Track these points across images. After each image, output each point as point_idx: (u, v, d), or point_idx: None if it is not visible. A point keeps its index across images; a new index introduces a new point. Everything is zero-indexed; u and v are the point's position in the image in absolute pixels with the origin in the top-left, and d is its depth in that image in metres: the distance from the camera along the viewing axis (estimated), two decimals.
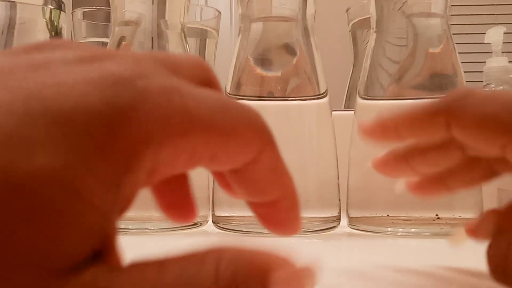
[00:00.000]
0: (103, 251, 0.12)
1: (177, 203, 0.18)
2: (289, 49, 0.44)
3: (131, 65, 0.13)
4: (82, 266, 0.11)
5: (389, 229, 0.39)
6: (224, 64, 0.49)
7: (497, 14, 0.78)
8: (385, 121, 0.23)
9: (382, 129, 0.23)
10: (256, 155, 0.15)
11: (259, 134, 0.15)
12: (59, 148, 0.11)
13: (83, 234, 0.11)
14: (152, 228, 0.40)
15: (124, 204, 0.12)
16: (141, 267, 0.12)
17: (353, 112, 0.45)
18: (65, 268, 0.10)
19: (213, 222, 0.43)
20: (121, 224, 0.29)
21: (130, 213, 0.18)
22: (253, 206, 0.17)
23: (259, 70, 0.43)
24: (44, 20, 0.51)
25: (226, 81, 0.44)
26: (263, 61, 0.43)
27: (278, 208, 0.16)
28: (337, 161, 0.43)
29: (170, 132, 0.12)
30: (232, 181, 0.16)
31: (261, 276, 0.13)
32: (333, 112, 0.45)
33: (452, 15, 0.44)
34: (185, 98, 0.13)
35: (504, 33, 0.69)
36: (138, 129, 0.12)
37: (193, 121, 0.13)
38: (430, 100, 0.22)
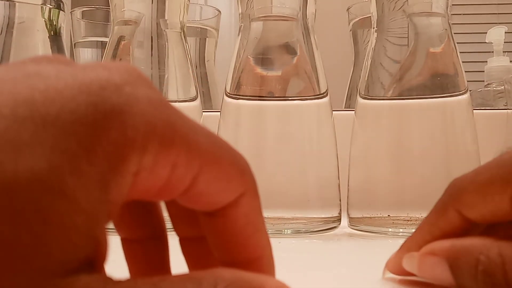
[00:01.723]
0: (95, 258, 0.11)
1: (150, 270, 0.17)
2: (289, 49, 0.44)
3: (121, 73, 0.13)
4: (75, 272, 0.11)
5: (390, 229, 0.39)
6: (224, 63, 0.49)
7: (498, 14, 0.78)
8: (408, 249, 0.23)
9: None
10: (237, 197, 0.14)
11: (242, 175, 0.15)
12: (45, 150, 0.11)
13: (71, 235, 0.11)
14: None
15: (111, 208, 0.12)
16: (137, 282, 0.11)
17: (353, 112, 0.45)
18: (56, 270, 0.10)
19: None
20: None
21: None
22: (225, 266, 0.15)
23: (259, 70, 0.43)
24: (43, 19, 0.50)
25: (226, 81, 0.44)
26: (263, 60, 0.43)
27: (251, 269, 0.15)
28: (337, 161, 0.43)
29: (153, 139, 0.12)
30: (207, 230, 0.15)
31: None
32: (333, 112, 0.44)
33: (453, 14, 0.44)
34: (171, 113, 0.13)
35: (506, 32, 0.69)
36: (123, 133, 0.12)
37: (176, 135, 0.13)
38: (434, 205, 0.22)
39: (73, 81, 0.12)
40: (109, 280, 0.11)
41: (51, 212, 0.10)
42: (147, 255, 0.17)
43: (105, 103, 0.12)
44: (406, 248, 0.23)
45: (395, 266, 0.23)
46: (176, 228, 0.17)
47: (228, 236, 0.15)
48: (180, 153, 0.13)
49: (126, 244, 0.17)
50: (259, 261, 0.15)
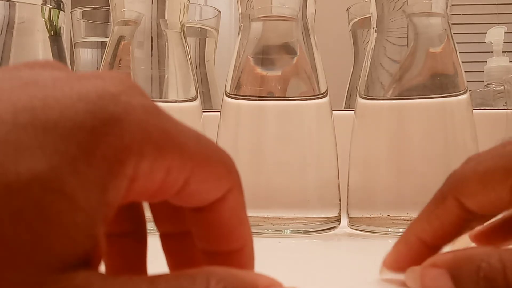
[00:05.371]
0: (92, 256, 0.12)
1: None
2: (289, 49, 0.44)
3: (116, 82, 0.13)
4: (74, 268, 0.11)
5: (390, 229, 0.39)
6: (224, 63, 0.49)
7: (498, 14, 0.78)
8: (406, 241, 0.22)
9: (408, 249, 0.23)
10: (224, 193, 0.15)
11: (229, 172, 0.15)
12: (45, 152, 0.11)
13: (71, 233, 0.11)
14: (151, 228, 0.40)
15: (108, 210, 0.13)
16: (133, 279, 0.12)
17: (353, 112, 0.45)
18: (56, 266, 0.11)
19: None
20: None
21: None
22: (208, 257, 0.17)
23: (259, 70, 0.43)
24: (43, 19, 0.50)
25: (226, 81, 0.44)
26: (263, 60, 0.43)
27: (234, 259, 0.16)
28: (337, 161, 0.43)
29: (149, 146, 0.13)
30: (193, 223, 0.16)
31: None
32: (333, 112, 0.44)
33: (453, 14, 0.44)
34: (164, 120, 0.14)
35: (505, 32, 0.69)
36: (120, 139, 0.12)
37: (170, 141, 0.14)
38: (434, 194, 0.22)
39: (70, 90, 0.12)
40: (106, 276, 0.12)
41: (51, 210, 0.11)
42: (124, 251, 0.17)
43: (103, 111, 0.12)
44: (404, 240, 0.23)
45: (393, 262, 0.23)
46: (157, 224, 0.18)
47: (214, 229, 0.16)
48: (174, 158, 0.14)
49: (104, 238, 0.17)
50: (241, 252, 0.16)
